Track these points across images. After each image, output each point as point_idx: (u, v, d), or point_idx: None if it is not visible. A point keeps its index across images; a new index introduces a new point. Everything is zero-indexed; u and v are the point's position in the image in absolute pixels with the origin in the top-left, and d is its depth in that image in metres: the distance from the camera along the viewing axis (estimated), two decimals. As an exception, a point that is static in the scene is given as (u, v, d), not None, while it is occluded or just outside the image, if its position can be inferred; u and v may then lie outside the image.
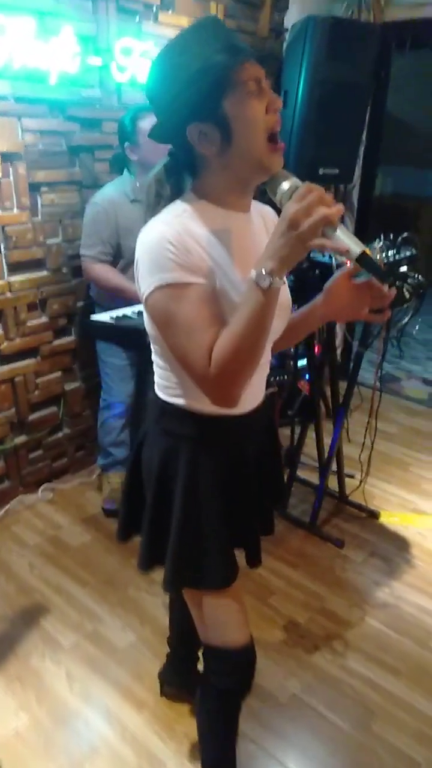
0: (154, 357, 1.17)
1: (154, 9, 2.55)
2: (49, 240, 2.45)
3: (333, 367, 2.59)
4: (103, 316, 2.03)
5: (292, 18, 3.26)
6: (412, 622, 2.06)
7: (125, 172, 2.37)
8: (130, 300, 2.26)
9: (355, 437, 2.85)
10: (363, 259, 0.90)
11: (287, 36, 3.15)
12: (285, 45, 3.20)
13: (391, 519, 2.63)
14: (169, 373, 1.13)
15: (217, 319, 0.99)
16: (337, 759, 1.61)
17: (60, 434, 2.78)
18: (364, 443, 2.58)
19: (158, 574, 2.16)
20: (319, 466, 2.65)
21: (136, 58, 2.47)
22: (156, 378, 1.19)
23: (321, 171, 3.14)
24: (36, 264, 2.44)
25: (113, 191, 2.32)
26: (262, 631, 1.98)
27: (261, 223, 1.16)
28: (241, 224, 1.08)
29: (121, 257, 2.33)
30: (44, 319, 2.53)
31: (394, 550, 2.44)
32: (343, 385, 2.54)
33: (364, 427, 2.53)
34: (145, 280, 0.98)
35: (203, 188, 1.05)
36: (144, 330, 1.79)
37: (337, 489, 2.69)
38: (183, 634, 1.67)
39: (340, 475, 2.67)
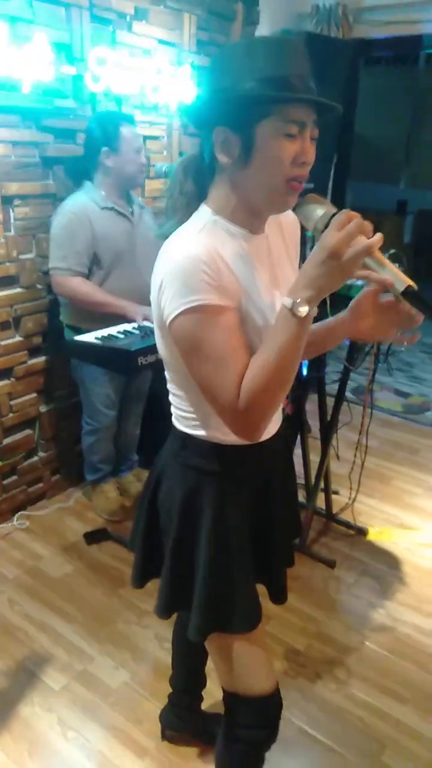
0: (170, 386, 1.09)
1: (128, 19, 2.49)
2: (22, 255, 2.33)
3: (321, 386, 2.55)
4: (88, 337, 1.93)
5: (263, 32, 3.26)
6: (411, 645, 2.03)
7: (88, 183, 2.28)
8: (113, 315, 2.18)
9: (340, 453, 2.82)
10: (409, 294, 0.85)
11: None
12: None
13: (379, 536, 2.60)
14: (188, 403, 1.06)
15: (245, 346, 0.93)
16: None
17: (35, 458, 2.64)
18: (354, 461, 2.56)
19: (147, 604, 2.09)
20: (305, 485, 2.61)
21: (111, 68, 2.39)
22: (173, 409, 1.11)
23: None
24: (9, 281, 2.32)
25: (82, 199, 2.22)
26: (260, 661, 1.91)
27: (278, 234, 1.09)
28: (258, 242, 1.02)
29: (99, 268, 2.23)
30: (18, 338, 2.40)
31: (385, 568, 2.41)
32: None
33: (347, 443, 2.51)
34: (171, 301, 0.90)
35: (217, 202, 0.98)
36: (132, 352, 1.71)
37: (323, 507, 2.65)
38: (188, 675, 1.59)
39: (327, 493, 2.64)
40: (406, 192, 6.94)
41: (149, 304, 2.37)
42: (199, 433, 1.06)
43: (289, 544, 1.32)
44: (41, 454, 2.67)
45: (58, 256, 2.17)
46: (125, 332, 1.98)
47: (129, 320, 2.17)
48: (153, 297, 0.97)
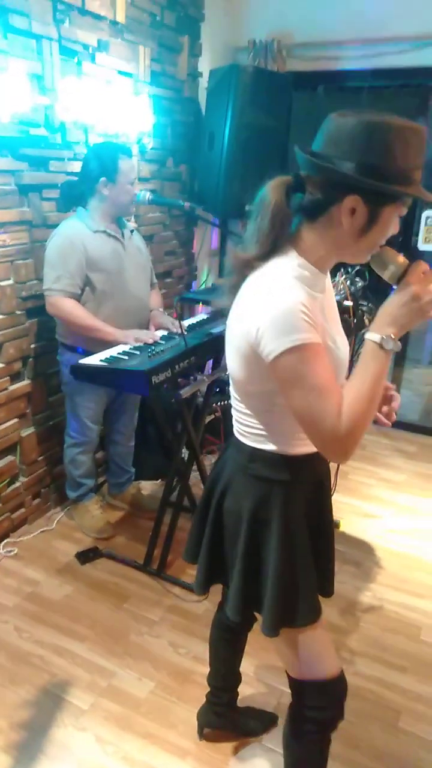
0: (238, 405, 1.21)
1: (91, 50, 2.57)
2: (1, 282, 2.33)
3: None
4: (92, 359, 1.99)
5: (204, 64, 3.44)
6: (400, 620, 2.25)
7: (81, 209, 2.35)
8: (100, 340, 2.24)
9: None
10: None
11: (207, 80, 3.31)
12: (206, 89, 3.36)
13: (349, 526, 2.83)
14: (258, 421, 1.18)
15: (335, 378, 1.06)
16: (381, 763, 1.72)
17: (17, 483, 2.62)
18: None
19: (152, 614, 2.16)
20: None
21: (78, 97, 2.46)
22: (240, 426, 1.22)
23: (246, 207, 3.32)
24: (-11, 308, 2.31)
25: (75, 224, 2.29)
26: (270, 653, 2.04)
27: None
28: (327, 283, 1.17)
29: (93, 290, 2.29)
30: (1, 365, 2.39)
31: (362, 554, 2.64)
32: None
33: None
34: (274, 341, 1.01)
35: (308, 248, 1.10)
36: (147, 373, 1.81)
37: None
38: (226, 673, 1.69)
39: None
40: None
41: (140, 325, 2.49)
42: (268, 447, 1.19)
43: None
44: (22, 479, 2.65)
45: (52, 278, 2.21)
46: (126, 353, 2.06)
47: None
48: (243, 330, 1.07)
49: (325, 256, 1.11)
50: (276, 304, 1.02)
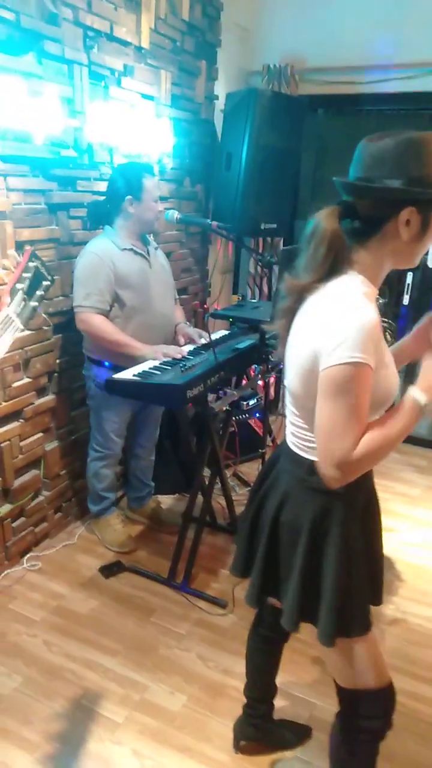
0: (297, 420, 1.24)
1: (117, 75, 2.64)
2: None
3: None
4: (126, 374, 2.03)
5: (220, 87, 3.54)
6: (424, 633, 2.27)
7: (108, 227, 2.40)
8: (128, 355, 2.28)
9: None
10: None
11: (224, 103, 3.40)
12: (221, 111, 3.45)
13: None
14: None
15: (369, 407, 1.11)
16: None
17: (41, 498, 2.64)
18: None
19: (180, 628, 2.18)
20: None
21: (105, 120, 2.53)
22: (298, 440, 1.26)
23: (262, 225, 3.40)
24: (19, 324, 2.34)
25: (104, 242, 2.34)
26: (300, 666, 2.06)
27: None
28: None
29: (121, 308, 2.33)
30: (27, 379, 2.42)
31: (382, 568, 2.66)
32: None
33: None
34: (337, 350, 1.05)
35: (360, 264, 1.15)
36: (182, 386, 1.85)
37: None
38: (264, 685, 1.70)
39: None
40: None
41: (166, 340, 2.54)
42: None
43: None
44: (45, 493, 2.66)
45: (82, 295, 2.26)
46: (157, 368, 2.10)
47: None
48: (310, 347, 1.11)
49: (379, 272, 1.17)
50: (351, 321, 1.05)
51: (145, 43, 2.76)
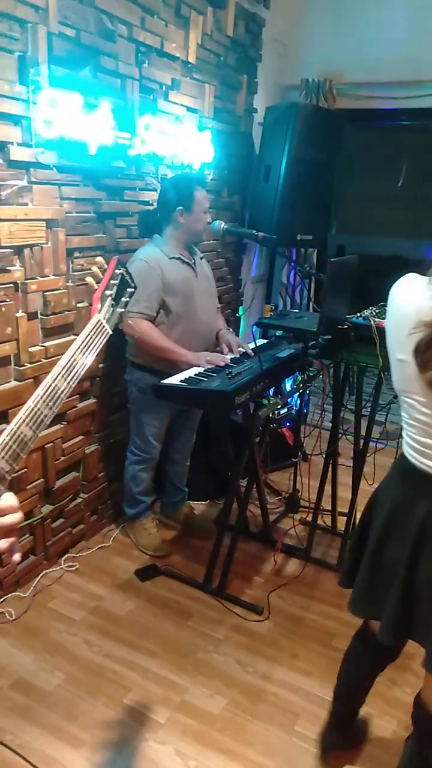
0: (412, 423, 1.29)
1: (164, 88, 2.71)
2: (78, 304, 2.43)
3: (336, 416, 2.80)
4: (173, 380, 2.08)
5: (259, 101, 3.60)
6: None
7: (157, 236, 2.46)
8: (172, 361, 2.33)
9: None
10: None
11: (263, 116, 3.46)
12: (259, 124, 3.51)
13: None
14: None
15: None
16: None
17: (79, 500, 2.68)
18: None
19: (217, 633, 2.20)
20: (332, 510, 2.85)
21: (153, 132, 2.59)
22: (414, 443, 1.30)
23: (298, 237, 3.45)
24: (66, 328, 2.40)
25: (153, 250, 2.40)
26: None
27: None
28: None
29: (166, 315, 2.38)
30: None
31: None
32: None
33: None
34: None
35: None
36: (230, 393, 1.88)
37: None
38: (357, 691, 1.73)
39: (341, 513, 2.87)
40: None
41: (208, 347, 2.59)
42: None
43: None
44: (83, 495, 2.71)
45: (131, 301, 2.30)
46: (203, 375, 2.14)
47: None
48: None
49: None
50: None
51: (191, 58, 2.83)
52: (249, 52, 3.38)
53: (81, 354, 1.06)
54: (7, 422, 2.20)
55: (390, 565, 1.35)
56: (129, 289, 1.16)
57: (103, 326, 1.07)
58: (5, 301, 2.06)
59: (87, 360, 1.07)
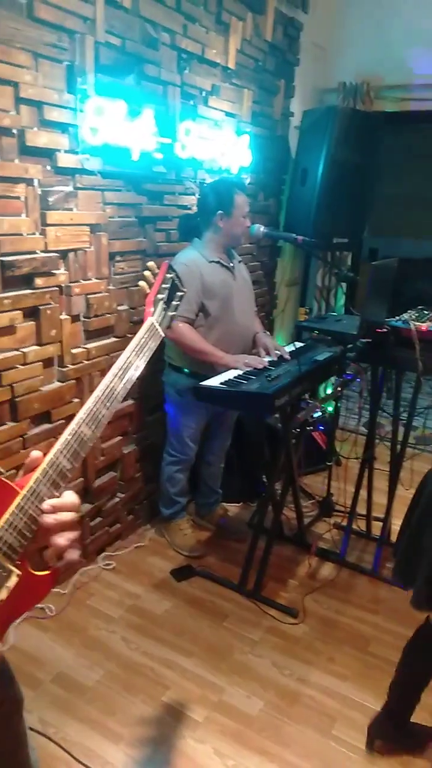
0: None
1: (204, 94, 2.75)
2: (118, 307, 2.48)
3: (373, 421, 2.79)
4: (212, 382, 2.10)
5: (295, 104, 3.61)
6: None
7: (196, 239, 2.49)
8: (210, 363, 2.35)
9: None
10: None
11: (301, 120, 3.47)
12: (296, 127, 3.52)
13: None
14: None
15: None
16: None
17: (116, 499, 2.73)
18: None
19: (253, 634, 2.21)
20: (366, 514, 2.83)
21: (194, 137, 2.63)
22: None
23: (334, 240, 3.44)
24: (107, 331, 2.45)
25: (193, 254, 2.43)
26: (376, 681, 2.05)
27: None
28: None
29: (205, 317, 2.41)
30: (110, 384, 2.52)
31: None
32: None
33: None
34: None
35: None
36: (271, 395, 1.90)
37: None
38: (413, 684, 1.73)
39: (376, 519, 2.85)
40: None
41: (245, 350, 2.60)
42: None
43: None
44: (120, 494, 2.75)
45: None
46: (242, 377, 2.16)
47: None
48: None
49: None
50: None
51: (231, 64, 2.86)
52: (287, 56, 3.39)
53: (135, 356, 1.08)
54: (50, 422, 2.27)
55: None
56: (179, 293, 1.18)
57: (156, 329, 1.10)
58: (50, 304, 2.12)
59: (140, 362, 1.09)
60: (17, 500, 0.87)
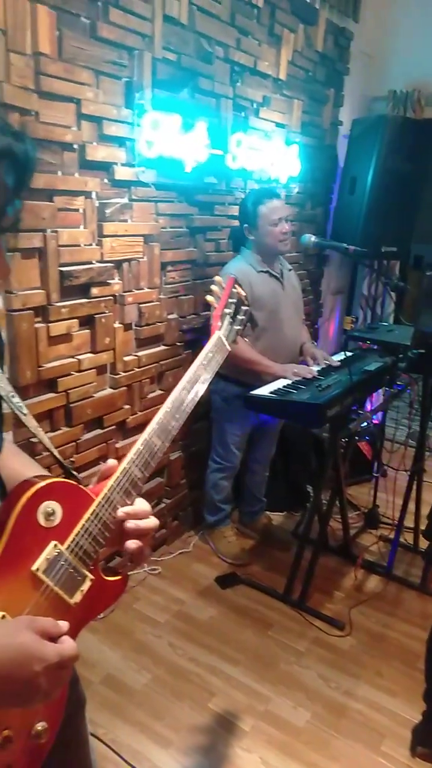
0: None
1: (255, 106, 2.78)
2: (168, 316, 2.52)
3: (423, 432, 2.74)
4: (262, 391, 2.12)
5: (345, 113, 3.60)
6: None
7: (244, 249, 2.52)
8: (257, 372, 2.36)
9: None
10: None
11: (350, 129, 3.46)
12: (344, 136, 3.52)
13: None
14: None
15: None
16: None
17: (162, 505, 2.76)
18: None
19: (299, 645, 2.20)
20: (414, 527, 2.78)
21: (244, 149, 2.65)
22: None
23: (383, 248, 3.41)
24: (157, 339, 2.50)
25: (243, 264, 2.44)
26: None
27: None
28: None
29: (252, 328, 2.42)
30: (159, 391, 2.56)
31: None
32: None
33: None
34: None
35: None
36: (322, 405, 1.89)
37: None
38: None
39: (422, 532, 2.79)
40: None
41: (292, 359, 2.60)
42: None
43: None
44: (166, 500, 2.79)
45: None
46: (292, 387, 2.17)
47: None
48: None
49: None
50: None
51: (282, 75, 2.88)
52: (337, 65, 3.40)
53: (203, 369, 1.11)
54: (102, 428, 2.32)
55: None
56: (244, 307, 1.20)
57: (223, 343, 1.12)
58: (105, 313, 2.17)
59: (207, 375, 1.12)
60: (92, 507, 0.90)
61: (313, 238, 2.43)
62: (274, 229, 2.44)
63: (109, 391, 2.30)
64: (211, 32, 2.36)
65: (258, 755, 1.81)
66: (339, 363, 2.49)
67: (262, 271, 2.44)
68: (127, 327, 2.32)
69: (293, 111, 3.05)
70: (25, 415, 0.93)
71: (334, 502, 2.59)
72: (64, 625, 0.77)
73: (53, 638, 0.74)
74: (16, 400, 0.93)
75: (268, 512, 3.07)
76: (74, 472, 0.98)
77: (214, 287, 1.18)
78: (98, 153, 1.99)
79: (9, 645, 0.69)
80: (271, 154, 2.87)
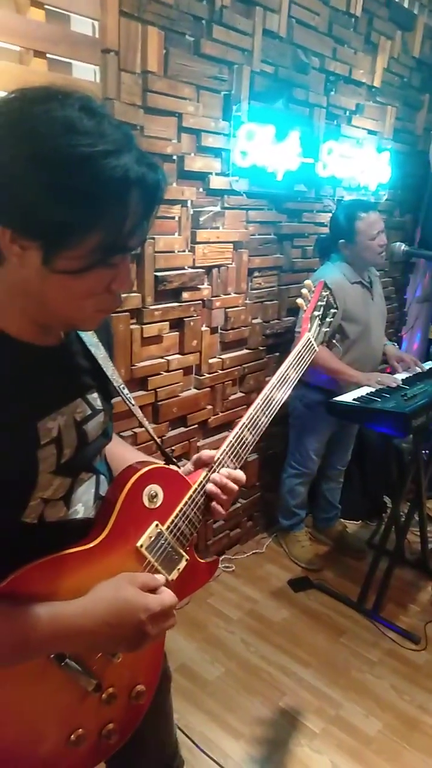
0: None
1: (348, 113, 2.79)
2: (253, 320, 2.58)
3: None
4: (346, 398, 2.13)
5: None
6: None
7: (335, 256, 2.52)
8: (343, 381, 2.37)
9: None
10: None
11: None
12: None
13: None
14: None
15: None
16: None
17: (238, 505, 2.82)
18: None
19: (372, 654, 2.18)
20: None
21: (335, 157, 2.67)
22: None
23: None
24: (241, 343, 2.56)
25: (336, 273, 2.43)
26: None
27: None
28: None
29: (344, 338, 2.44)
30: (240, 393, 2.63)
31: None
32: None
33: None
34: None
35: None
36: (408, 415, 1.88)
37: None
38: None
39: None
40: None
41: (375, 368, 2.59)
42: None
43: None
44: (242, 500, 2.85)
45: None
46: (376, 395, 2.16)
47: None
48: None
49: None
50: None
51: (377, 82, 2.87)
52: (433, 70, 3.34)
53: (293, 370, 1.16)
54: (185, 426, 2.42)
55: None
56: (332, 310, 1.24)
57: (312, 344, 1.16)
58: (194, 316, 2.26)
59: (295, 375, 1.16)
60: (189, 492, 0.98)
61: (403, 247, 2.41)
62: (373, 243, 2.42)
63: (193, 391, 2.39)
64: (307, 43, 2.41)
65: (328, 758, 1.82)
66: (427, 369, 2.45)
67: (355, 282, 2.44)
68: (214, 330, 2.40)
69: (386, 118, 3.03)
70: (133, 405, 1.02)
71: (413, 514, 2.54)
72: (161, 578, 0.86)
73: (153, 591, 0.83)
74: (126, 391, 1.02)
75: (342, 519, 3.06)
76: (174, 460, 1.06)
77: (304, 291, 1.23)
78: (195, 164, 2.09)
79: (115, 598, 0.79)
80: (362, 162, 2.87)
